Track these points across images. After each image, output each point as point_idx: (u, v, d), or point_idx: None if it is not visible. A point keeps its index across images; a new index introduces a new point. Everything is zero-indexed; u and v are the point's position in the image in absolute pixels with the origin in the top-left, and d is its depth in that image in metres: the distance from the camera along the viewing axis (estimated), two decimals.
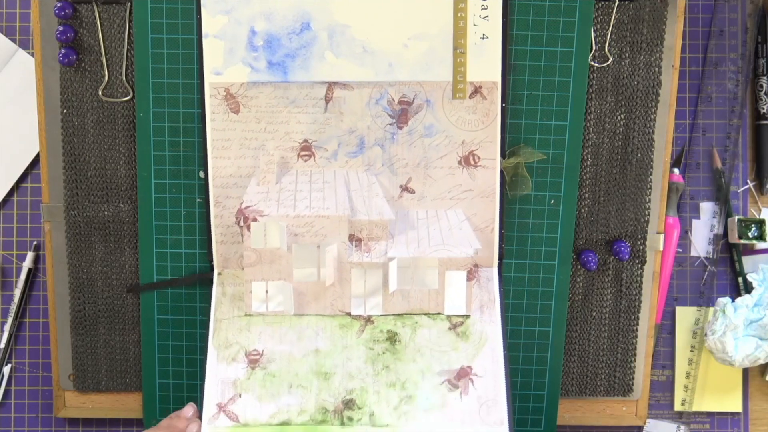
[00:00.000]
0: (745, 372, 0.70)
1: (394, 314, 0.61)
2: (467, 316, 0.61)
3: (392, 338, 0.60)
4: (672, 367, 0.70)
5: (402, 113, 0.62)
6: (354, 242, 0.60)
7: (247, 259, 0.60)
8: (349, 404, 0.56)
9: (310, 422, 0.56)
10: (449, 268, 0.60)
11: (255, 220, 0.59)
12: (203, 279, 0.64)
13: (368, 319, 0.61)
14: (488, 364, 0.59)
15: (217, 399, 0.57)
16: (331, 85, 0.62)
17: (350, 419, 0.56)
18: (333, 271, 0.60)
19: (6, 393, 0.70)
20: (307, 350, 0.59)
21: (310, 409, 0.56)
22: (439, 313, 0.61)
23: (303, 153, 0.63)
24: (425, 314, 0.61)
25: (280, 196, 0.61)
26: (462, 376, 0.58)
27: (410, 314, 0.61)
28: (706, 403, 0.70)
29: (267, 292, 0.60)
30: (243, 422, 0.56)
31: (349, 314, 0.61)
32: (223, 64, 0.62)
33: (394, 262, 0.60)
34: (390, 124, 0.62)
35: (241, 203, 0.61)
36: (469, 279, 0.61)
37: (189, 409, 0.57)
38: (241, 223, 0.60)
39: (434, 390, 0.57)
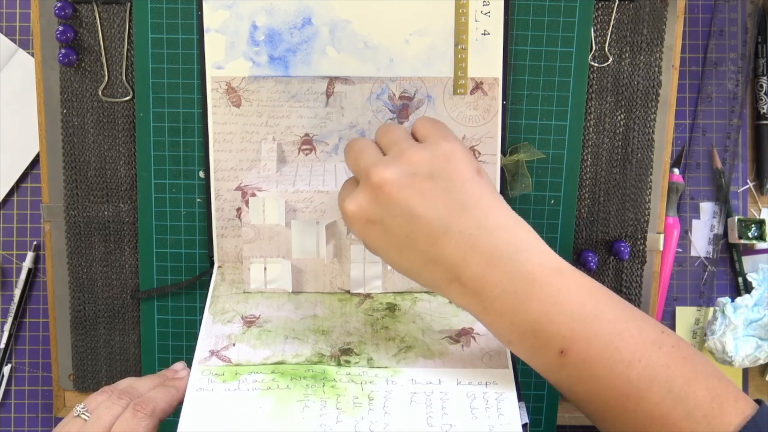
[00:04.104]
0: (745, 372, 0.70)
1: (394, 292, 0.61)
2: None
3: (392, 308, 0.60)
4: None
5: (403, 108, 0.62)
6: None
7: (245, 236, 0.60)
8: (346, 351, 0.55)
9: (306, 363, 0.54)
10: None
11: (254, 195, 0.59)
12: (203, 280, 0.64)
13: (368, 296, 0.61)
14: None
15: (210, 347, 0.55)
16: (332, 80, 0.62)
17: (347, 362, 0.54)
18: (332, 247, 0.60)
19: (6, 393, 0.70)
20: (305, 315, 0.59)
21: (306, 353, 0.55)
22: None
23: (304, 147, 0.63)
24: (425, 292, 0.61)
25: (280, 179, 0.61)
26: (463, 334, 0.57)
27: (410, 291, 0.61)
28: None
29: (265, 269, 0.60)
30: (236, 362, 0.54)
31: (348, 292, 0.61)
32: (224, 58, 0.62)
33: None
34: (391, 119, 0.63)
35: (240, 182, 0.61)
36: None
37: (179, 365, 0.56)
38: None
39: (435, 343, 0.56)
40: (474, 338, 0.56)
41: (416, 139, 0.49)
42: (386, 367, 0.54)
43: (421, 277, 0.47)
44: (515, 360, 0.54)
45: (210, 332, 0.57)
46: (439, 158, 0.46)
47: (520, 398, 0.51)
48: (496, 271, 0.45)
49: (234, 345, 0.56)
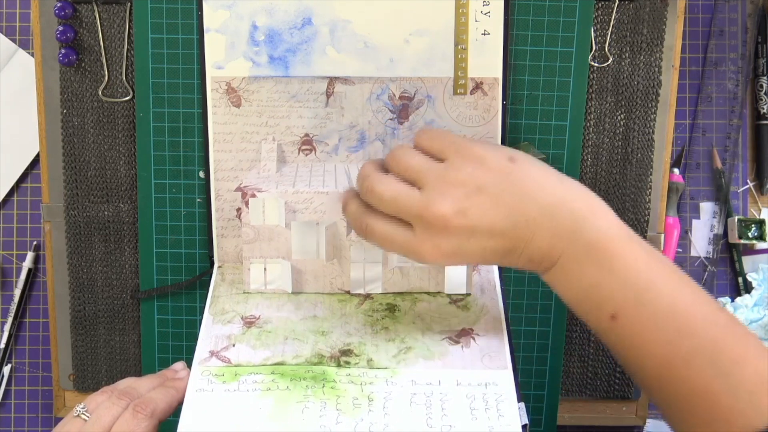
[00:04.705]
0: None
1: (393, 292, 0.61)
2: (468, 294, 0.60)
3: (392, 308, 0.60)
4: None
5: (403, 108, 0.62)
6: None
7: (245, 236, 0.60)
8: (346, 352, 0.55)
9: (306, 363, 0.54)
10: None
11: (254, 195, 0.59)
12: (203, 280, 0.64)
13: (368, 296, 0.61)
14: (490, 327, 0.57)
15: (210, 347, 0.55)
16: (332, 80, 0.62)
17: (347, 363, 0.54)
18: (332, 248, 0.60)
19: (6, 393, 0.70)
20: (305, 316, 0.59)
21: (306, 354, 0.55)
22: (439, 292, 0.61)
23: (304, 147, 0.63)
24: (425, 293, 0.61)
25: (280, 179, 0.61)
26: (463, 335, 0.57)
27: (410, 292, 0.61)
28: None
29: (265, 269, 0.60)
30: (235, 363, 0.54)
31: (348, 293, 0.61)
32: (224, 58, 0.62)
33: None
34: (391, 119, 0.63)
35: (240, 183, 0.61)
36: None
37: (179, 365, 0.57)
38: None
39: (435, 344, 0.56)
40: (474, 339, 0.56)
41: (430, 156, 0.51)
42: (386, 368, 0.54)
43: (501, 263, 0.50)
44: (515, 360, 0.54)
45: (210, 332, 0.57)
46: (476, 170, 0.48)
47: (519, 399, 0.51)
48: (559, 242, 0.48)
49: (234, 345, 0.56)
